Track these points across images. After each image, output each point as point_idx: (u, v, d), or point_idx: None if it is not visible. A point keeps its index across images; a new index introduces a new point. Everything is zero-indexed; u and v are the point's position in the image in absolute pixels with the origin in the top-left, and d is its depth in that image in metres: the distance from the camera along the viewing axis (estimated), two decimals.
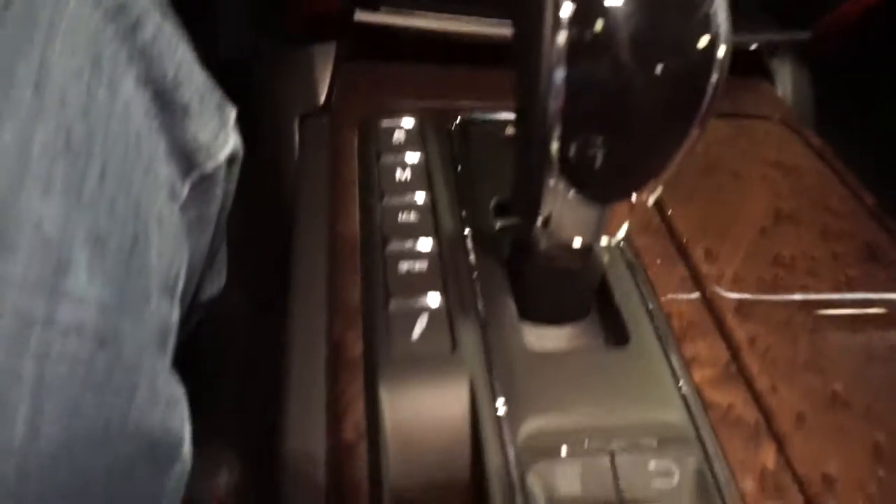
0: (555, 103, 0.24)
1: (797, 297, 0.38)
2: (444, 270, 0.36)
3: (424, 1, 0.49)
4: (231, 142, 0.34)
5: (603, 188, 0.28)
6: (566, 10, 0.22)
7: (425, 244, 0.37)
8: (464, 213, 0.40)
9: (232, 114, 0.34)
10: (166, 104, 0.29)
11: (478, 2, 0.49)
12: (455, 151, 0.44)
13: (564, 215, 0.30)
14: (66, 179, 0.21)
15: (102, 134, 0.23)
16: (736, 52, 0.56)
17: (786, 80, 0.60)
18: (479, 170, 0.43)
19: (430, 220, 0.39)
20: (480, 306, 0.35)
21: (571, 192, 0.28)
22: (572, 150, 0.26)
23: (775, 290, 0.38)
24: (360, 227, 0.39)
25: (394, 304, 0.34)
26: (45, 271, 0.19)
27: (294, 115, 0.54)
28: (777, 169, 0.47)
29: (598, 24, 0.22)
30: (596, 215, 0.30)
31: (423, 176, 0.42)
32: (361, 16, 0.48)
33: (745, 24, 0.54)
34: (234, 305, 0.75)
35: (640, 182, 0.28)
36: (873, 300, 0.38)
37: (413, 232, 0.38)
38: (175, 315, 0.29)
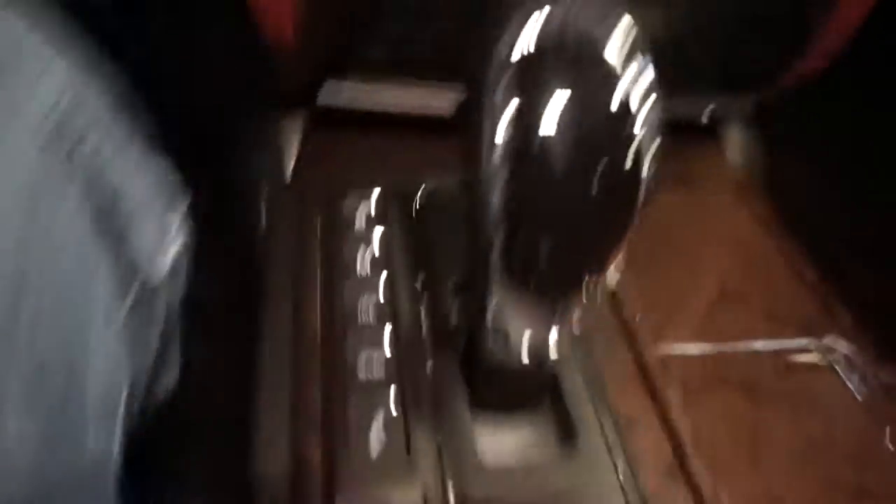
0: (496, 203, 0.25)
1: (740, 383, 0.40)
2: (401, 367, 0.38)
3: (392, 82, 0.50)
4: (176, 245, 0.34)
5: (546, 284, 0.30)
6: (505, 120, 0.24)
7: (384, 337, 0.39)
8: (423, 297, 0.41)
9: (178, 213, 0.35)
10: (106, 219, 0.29)
11: (443, 77, 0.50)
12: (417, 228, 0.46)
13: (513, 311, 0.31)
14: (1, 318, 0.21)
15: (37, 270, 0.23)
16: (686, 120, 0.57)
17: (735, 146, 0.62)
18: (441, 246, 0.44)
19: (389, 309, 0.40)
20: (435, 405, 0.36)
21: (518, 289, 0.29)
22: (515, 250, 0.27)
23: (718, 378, 0.40)
24: (322, 319, 0.41)
25: (351, 410, 0.35)
26: None
27: (262, 188, 0.55)
28: (725, 245, 0.49)
29: (534, 134, 0.23)
30: (545, 310, 0.31)
31: (385, 259, 0.43)
32: (325, 97, 0.49)
33: (694, 91, 0.56)
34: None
35: (582, 277, 0.29)
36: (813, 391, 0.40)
37: (372, 322, 0.39)
38: (115, 439, 0.29)
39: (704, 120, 0.58)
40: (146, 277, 0.32)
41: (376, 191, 0.47)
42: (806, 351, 0.43)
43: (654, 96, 0.24)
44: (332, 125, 0.54)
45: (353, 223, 0.45)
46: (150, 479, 0.35)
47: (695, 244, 0.49)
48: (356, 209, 0.46)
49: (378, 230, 0.45)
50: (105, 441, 0.28)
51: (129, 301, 0.31)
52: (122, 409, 0.30)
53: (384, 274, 0.42)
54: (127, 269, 0.31)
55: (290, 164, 0.55)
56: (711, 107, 0.57)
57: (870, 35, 0.50)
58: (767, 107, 0.56)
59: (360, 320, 0.40)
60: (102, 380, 0.28)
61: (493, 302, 0.30)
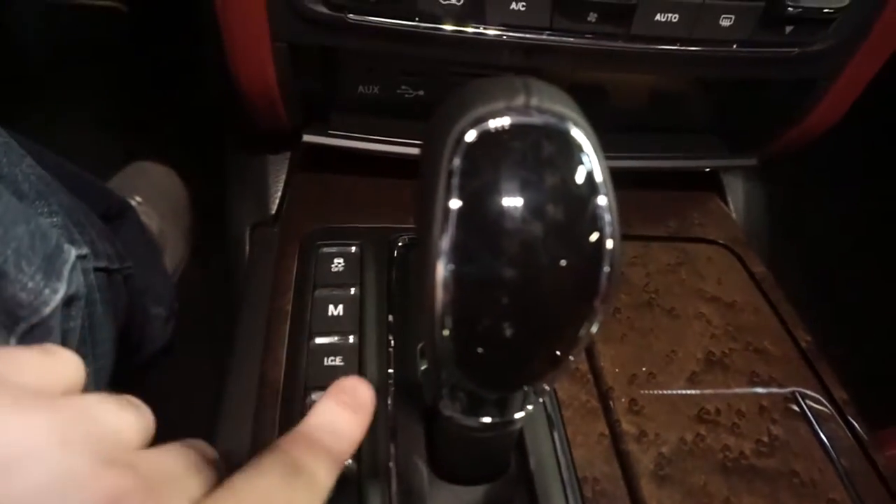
0: (443, 297, 0.24)
1: (717, 458, 0.38)
2: None
3: (375, 124, 0.50)
4: (60, 292, 0.35)
5: (499, 381, 0.28)
6: (454, 205, 0.23)
7: None
8: (390, 357, 0.40)
9: (70, 257, 0.36)
10: None
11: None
12: (394, 281, 0.45)
13: (473, 395, 0.30)
14: None
15: None
16: (686, 171, 0.56)
17: (737, 194, 0.61)
18: (414, 303, 0.43)
19: (356, 366, 0.39)
20: (393, 468, 0.35)
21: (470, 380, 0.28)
22: (463, 343, 0.26)
23: (694, 453, 0.38)
24: (286, 369, 0.40)
25: None
26: None
27: (246, 224, 0.54)
28: (714, 304, 0.47)
29: (484, 224, 0.22)
30: (508, 396, 0.30)
31: (356, 313, 0.42)
32: (309, 137, 0.49)
33: (693, 147, 0.55)
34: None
35: (537, 374, 0.28)
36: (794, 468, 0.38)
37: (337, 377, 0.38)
38: None
39: (706, 168, 0.57)
40: (30, 317, 0.34)
41: (353, 243, 0.46)
42: (788, 410, 0.41)
43: (610, 194, 0.23)
44: (320, 164, 0.53)
45: (328, 274, 0.44)
46: None
47: (683, 303, 0.47)
48: (331, 259, 0.45)
49: (350, 288, 0.44)
50: None
51: (16, 334, 0.32)
52: None
53: (352, 335, 0.41)
54: (7, 310, 0.33)
55: (276, 200, 0.54)
56: (711, 164, 0.56)
57: (876, 94, 0.48)
58: (765, 167, 0.54)
59: (324, 380, 0.38)
60: None
61: (448, 382, 0.29)
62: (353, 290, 0.43)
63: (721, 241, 0.53)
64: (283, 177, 0.55)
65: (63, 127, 1.10)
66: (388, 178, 0.52)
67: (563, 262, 0.23)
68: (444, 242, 0.23)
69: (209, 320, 0.83)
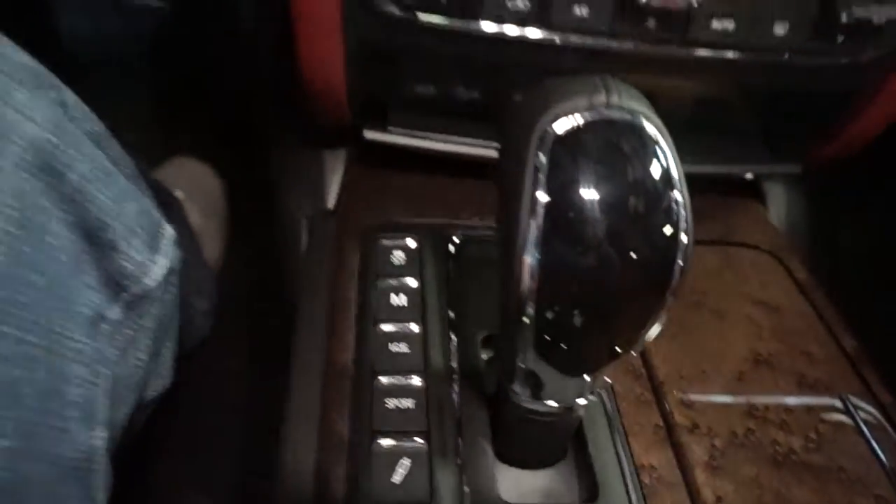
0: (527, 277, 0.25)
1: (768, 452, 0.39)
2: (429, 409, 0.38)
3: (432, 122, 0.52)
4: (162, 265, 0.38)
5: (576, 361, 0.30)
6: (542, 198, 0.25)
7: (413, 380, 0.39)
8: (454, 346, 0.42)
9: (168, 234, 0.39)
10: (94, 241, 0.32)
11: (486, 126, 0.51)
12: (451, 275, 0.46)
13: (540, 380, 0.31)
14: None
15: (29, 268, 0.26)
16: (729, 177, 0.57)
17: (779, 203, 0.62)
18: (473, 296, 0.45)
19: (420, 353, 0.41)
20: (461, 449, 0.36)
21: (547, 361, 0.30)
22: (545, 326, 0.27)
23: (745, 446, 0.39)
24: (354, 354, 0.41)
25: (377, 445, 0.36)
26: None
27: (302, 216, 0.56)
28: (759, 307, 0.48)
29: (571, 216, 0.24)
30: (573, 382, 0.32)
31: (418, 303, 0.44)
32: (370, 134, 0.51)
33: (737, 153, 0.56)
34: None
35: (612, 354, 0.30)
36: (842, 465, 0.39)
37: (403, 365, 0.40)
38: (98, 439, 0.31)
39: (749, 176, 0.58)
40: (133, 289, 0.36)
41: (412, 237, 0.48)
42: (835, 410, 0.42)
43: (684, 190, 0.24)
44: (376, 159, 0.55)
45: (389, 266, 0.46)
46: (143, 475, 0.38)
47: (729, 305, 0.48)
48: (391, 252, 0.47)
49: (412, 279, 0.45)
50: (85, 439, 0.30)
51: (120, 303, 0.34)
52: (103, 412, 0.32)
53: (416, 324, 0.43)
54: (115, 282, 0.35)
55: (334, 194, 0.56)
56: (754, 169, 0.57)
57: None
58: (808, 175, 0.55)
59: (391, 365, 0.40)
60: (82, 384, 0.30)
61: (521, 366, 0.31)
62: (414, 283, 0.45)
63: (764, 248, 0.54)
64: (340, 171, 0.57)
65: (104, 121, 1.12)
66: (442, 175, 0.54)
67: (641, 255, 0.25)
68: (532, 233, 0.25)
69: (243, 319, 0.85)
